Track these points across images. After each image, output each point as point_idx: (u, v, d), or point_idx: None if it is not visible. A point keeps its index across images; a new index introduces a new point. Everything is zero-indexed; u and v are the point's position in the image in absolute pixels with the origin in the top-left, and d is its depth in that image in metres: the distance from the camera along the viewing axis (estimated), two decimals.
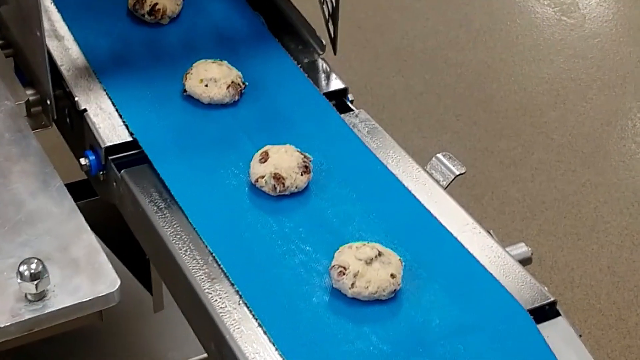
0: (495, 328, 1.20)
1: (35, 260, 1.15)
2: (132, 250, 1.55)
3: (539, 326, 1.20)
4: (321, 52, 1.63)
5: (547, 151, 2.89)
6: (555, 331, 1.21)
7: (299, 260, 1.27)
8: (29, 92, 1.51)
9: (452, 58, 3.22)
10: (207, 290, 1.23)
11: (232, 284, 1.23)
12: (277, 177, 1.34)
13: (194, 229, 1.30)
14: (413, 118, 2.97)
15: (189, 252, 1.28)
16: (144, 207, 1.34)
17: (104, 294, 1.19)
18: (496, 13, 3.45)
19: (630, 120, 3.03)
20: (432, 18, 3.40)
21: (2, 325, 1.14)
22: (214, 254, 1.27)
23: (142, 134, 1.43)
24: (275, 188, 1.34)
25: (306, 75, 1.57)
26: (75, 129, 1.51)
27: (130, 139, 1.43)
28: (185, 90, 1.50)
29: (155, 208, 1.34)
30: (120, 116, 1.46)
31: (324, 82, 1.59)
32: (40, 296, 1.17)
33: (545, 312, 1.24)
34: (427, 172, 1.44)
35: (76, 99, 1.48)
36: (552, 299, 1.25)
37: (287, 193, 1.35)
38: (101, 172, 1.44)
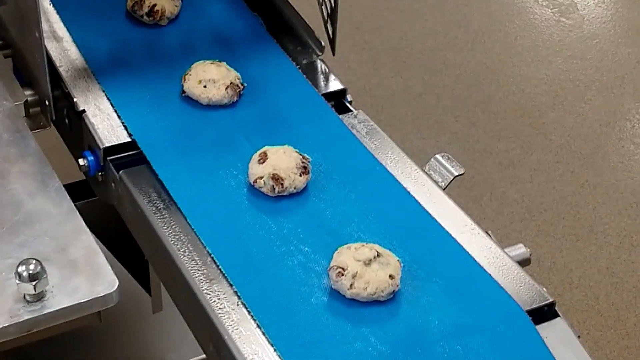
0: (494, 329, 1.19)
1: (34, 261, 1.15)
2: (130, 251, 1.55)
3: (538, 327, 1.20)
4: (320, 53, 1.63)
5: (545, 152, 2.89)
6: (553, 332, 1.21)
7: (297, 261, 1.27)
8: (28, 92, 1.51)
9: (451, 59, 3.22)
10: (205, 291, 1.22)
11: (231, 285, 1.23)
12: (276, 178, 1.34)
13: (193, 229, 1.30)
14: (412, 119, 2.97)
15: (187, 253, 1.27)
16: (142, 208, 1.34)
17: (102, 294, 1.19)
18: (495, 14, 3.45)
19: (629, 121, 3.03)
20: (431, 19, 3.40)
21: (1, 326, 1.14)
22: (212, 255, 1.27)
23: (141, 134, 1.43)
24: (274, 189, 1.34)
25: (305, 76, 1.57)
26: (74, 130, 1.51)
27: (128, 139, 1.43)
28: (183, 91, 1.50)
29: (153, 209, 1.34)
30: (119, 117, 1.46)
31: (322, 83, 1.59)
32: (39, 297, 1.17)
33: (543, 313, 1.24)
34: (426, 173, 1.44)
35: (75, 99, 1.48)
36: (550, 300, 1.25)
37: (285, 194, 1.35)
38: (100, 173, 1.44)
